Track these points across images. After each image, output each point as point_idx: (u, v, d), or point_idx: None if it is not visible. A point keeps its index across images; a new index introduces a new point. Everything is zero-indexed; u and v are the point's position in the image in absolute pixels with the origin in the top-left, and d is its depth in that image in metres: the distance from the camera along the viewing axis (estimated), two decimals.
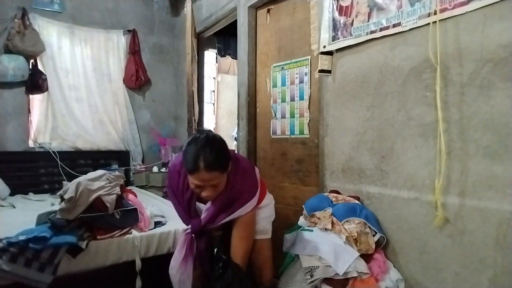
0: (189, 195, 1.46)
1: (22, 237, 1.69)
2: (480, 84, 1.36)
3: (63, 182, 3.26)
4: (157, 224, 2.17)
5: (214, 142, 1.37)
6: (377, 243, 1.69)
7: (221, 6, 3.32)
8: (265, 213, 1.69)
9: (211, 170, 1.31)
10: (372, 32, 1.78)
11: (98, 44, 3.98)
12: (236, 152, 2.16)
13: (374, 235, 1.70)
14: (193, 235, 1.52)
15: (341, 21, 1.96)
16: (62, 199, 1.83)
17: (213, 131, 1.54)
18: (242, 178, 1.48)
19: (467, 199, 1.41)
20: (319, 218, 1.75)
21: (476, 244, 1.38)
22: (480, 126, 1.36)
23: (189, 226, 1.51)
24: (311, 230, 1.73)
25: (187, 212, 1.50)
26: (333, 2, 2.00)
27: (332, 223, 1.70)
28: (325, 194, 1.96)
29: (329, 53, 2.07)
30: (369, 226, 1.70)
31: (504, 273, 1.29)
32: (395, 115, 1.71)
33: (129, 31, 4.13)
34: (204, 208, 1.49)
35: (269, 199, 1.74)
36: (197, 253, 1.52)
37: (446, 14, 1.44)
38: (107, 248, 1.90)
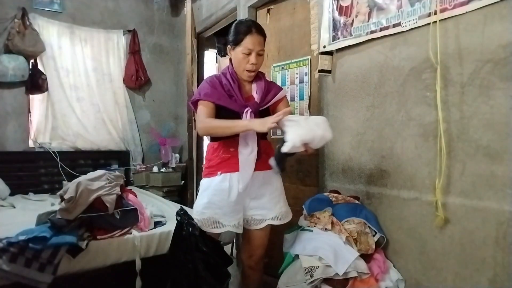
0: (238, 84, 1.73)
1: (22, 237, 1.69)
2: (480, 84, 1.36)
3: (63, 182, 3.26)
4: (157, 224, 2.17)
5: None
6: (377, 243, 1.69)
7: (221, 6, 3.32)
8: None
9: (260, 34, 1.69)
10: (372, 32, 1.78)
11: (98, 44, 3.98)
12: None
13: (374, 235, 1.70)
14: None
15: (341, 21, 1.96)
16: (62, 199, 1.84)
17: None
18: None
19: (467, 199, 1.40)
20: (319, 218, 1.74)
21: (476, 244, 1.37)
22: (480, 126, 1.36)
23: (248, 109, 1.70)
24: (311, 230, 1.73)
25: (239, 99, 1.71)
26: (333, 2, 2.00)
27: (332, 223, 1.69)
28: (325, 194, 1.95)
29: (329, 53, 2.07)
30: (369, 226, 1.70)
31: (504, 273, 1.29)
32: (395, 115, 1.71)
33: (129, 31, 4.13)
34: (254, 93, 1.77)
35: None
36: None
37: (446, 14, 1.44)
38: (107, 248, 1.90)
